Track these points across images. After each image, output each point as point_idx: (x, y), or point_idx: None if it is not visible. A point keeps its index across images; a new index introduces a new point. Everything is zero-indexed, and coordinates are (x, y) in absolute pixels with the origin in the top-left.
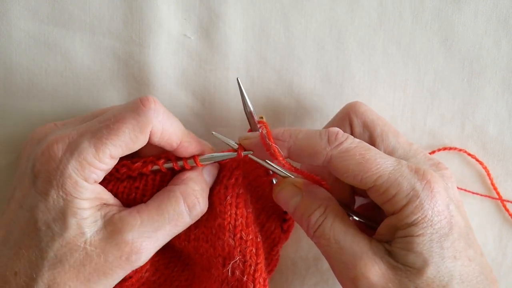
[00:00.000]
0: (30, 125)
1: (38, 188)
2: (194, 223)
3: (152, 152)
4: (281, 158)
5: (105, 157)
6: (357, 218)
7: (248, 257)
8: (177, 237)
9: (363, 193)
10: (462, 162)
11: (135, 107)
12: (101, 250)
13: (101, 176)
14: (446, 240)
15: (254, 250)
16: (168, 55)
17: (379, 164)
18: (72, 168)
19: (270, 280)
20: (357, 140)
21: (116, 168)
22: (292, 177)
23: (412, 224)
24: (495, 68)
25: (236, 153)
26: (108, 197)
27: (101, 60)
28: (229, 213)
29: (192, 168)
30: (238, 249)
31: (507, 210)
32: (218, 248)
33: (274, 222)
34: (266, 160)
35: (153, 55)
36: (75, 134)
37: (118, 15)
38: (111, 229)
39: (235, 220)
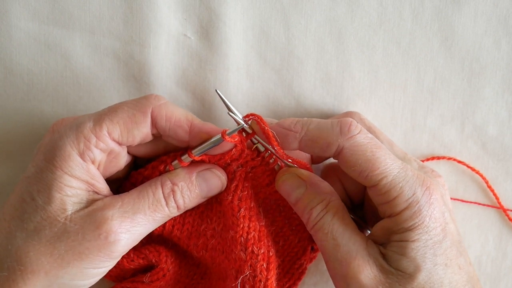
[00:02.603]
0: (30, 126)
1: (34, 161)
2: (211, 232)
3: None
4: (275, 143)
5: (103, 133)
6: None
7: (258, 272)
8: (195, 245)
9: (353, 196)
10: (457, 166)
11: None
12: (80, 226)
13: (98, 155)
14: (439, 247)
15: (265, 265)
16: (168, 55)
17: (387, 165)
18: (68, 140)
19: None
20: (370, 135)
21: (136, 179)
22: (290, 165)
23: (409, 229)
24: (495, 68)
25: (221, 136)
26: (102, 186)
27: (101, 60)
28: (241, 225)
29: (187, 165)
30: (249, 263)
31: (508, 217)
32: (231, 260)
33: (299, 234)
34: (267, 145)
35: (153, 55)
36: (82, 115)
37: (118, 15)
38: (93, 208)
39: (247, 234)
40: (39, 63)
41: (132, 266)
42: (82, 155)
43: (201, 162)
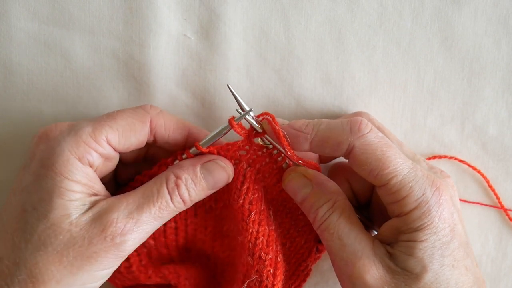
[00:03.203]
0: (30, 126)
1: (30, 169)
2: (233, 233)
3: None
4: (286, 143)
5: (101, 138)
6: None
7: (264, 278)
8: (221, 245)
9: (360, 196)
10: (457, 166)
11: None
12: (85, 231)
13: (96, 159)
14: (447, 248)
15: (271, 271)
16: (168, 55)
17: (397, 164)
18: (66, 145)
19: None
20: (380, 134)
21: (141, 181)
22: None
23: (417, 229)
24: (495, 68)
25: (228, 125)
26: (100, 188)
27: (101, 60)
28: (250, 230)
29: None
30: (256, 268)
31: (509, 217)
32: (240, 264)
33: (305, 235)
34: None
35: (153, 55)
36: (77, 121)
37: (118, 15)
38: (97, 210)
39: (256, 239)
40: (39, 63)
41: (148, 283)
42: (81, 159)
43: (209, 154)
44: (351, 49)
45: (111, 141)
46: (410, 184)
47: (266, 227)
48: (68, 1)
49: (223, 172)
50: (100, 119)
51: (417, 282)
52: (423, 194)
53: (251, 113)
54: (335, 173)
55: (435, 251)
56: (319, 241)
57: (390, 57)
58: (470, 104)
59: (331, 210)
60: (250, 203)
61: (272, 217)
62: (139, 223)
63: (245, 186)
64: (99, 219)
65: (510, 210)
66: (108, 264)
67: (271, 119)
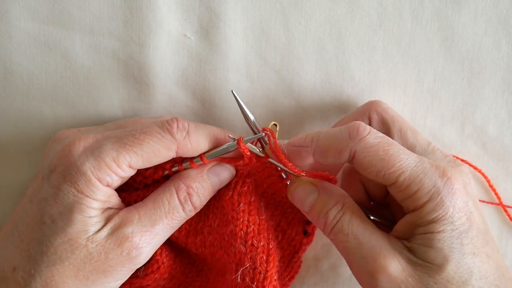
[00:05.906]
0: (30, 126)
1: (51, 182)
2: (207, 229)
3: None
4: (284, 159)
5: (124, 163)
6: (372, 217)
7: (258, 264)
8: (194, 243)
9: (376, 196)
10: None
11: (161, 125)
12: (102, 247)
13: (115, 181)
14: (465, 236)
15: (264, 258)
16: (168, 55)
17: (402, 161)
18: (89, 166)
19: None
20: (380, 134)
21: (133, 179)
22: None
23: (433, 221)
24: (495, 68)
25: (235, 142)
26: (116, 201)
27: (101, 60)
28: (241, 219)
29: (198, 166)
30: (249, 256)
31: (509, 215)
32: (231, 254)
33: (295, 227)
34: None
35: (153, 55)
36: (100, 136)
37: (118, 15)
38: (112, 226)
39: (247, 227)
40: (39, 63)
41: None
42: (101, 181)
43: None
44: (351, 49)
45: (133, 165)
46: (419, 178)
47: (256, 217)
48: (68, 1)
49: (228, 173)
50: (126, 141)
51: (440, 272)
52: (434, 186)
53: (254, 119)
54: (348, 175)
55: (454, 241)
56: (305, 233)
57: (390, 57)
58: (470, 104)
59: (341, 212)
60: (239, 194)
61: (263, 208)
62: (152, 235)
63: (234, 180)
64: (114, 234)
65: (509, 207)
66: (121, 276)
67: (269, 134)
